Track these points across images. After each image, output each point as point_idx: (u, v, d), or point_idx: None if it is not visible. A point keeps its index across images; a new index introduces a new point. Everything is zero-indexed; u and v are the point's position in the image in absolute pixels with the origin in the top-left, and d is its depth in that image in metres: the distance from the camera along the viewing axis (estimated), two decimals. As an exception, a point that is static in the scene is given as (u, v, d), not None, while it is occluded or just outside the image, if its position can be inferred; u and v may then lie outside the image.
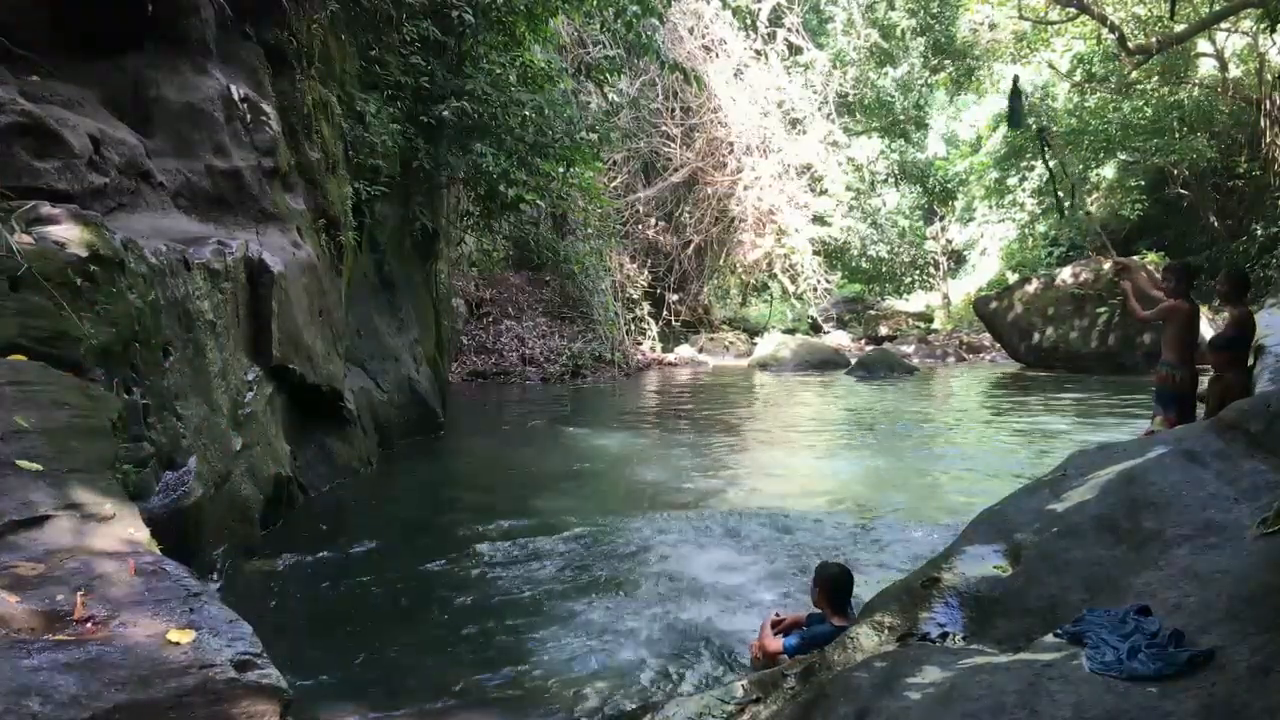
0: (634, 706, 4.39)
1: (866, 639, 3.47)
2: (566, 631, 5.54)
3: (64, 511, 3.13)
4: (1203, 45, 23.81)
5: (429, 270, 14.22)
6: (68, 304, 4.58)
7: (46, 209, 5.02)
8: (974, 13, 27.12)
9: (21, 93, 6.21)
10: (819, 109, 28.04)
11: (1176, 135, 23.76)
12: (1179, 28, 20.98)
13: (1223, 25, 21.94)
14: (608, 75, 16.77)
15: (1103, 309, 20.22)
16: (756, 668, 4.47)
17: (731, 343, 26.57)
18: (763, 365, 22.89)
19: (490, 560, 6.87)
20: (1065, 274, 21.67)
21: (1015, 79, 10.90)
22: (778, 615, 4.85)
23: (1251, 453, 3.61)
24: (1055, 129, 23.39)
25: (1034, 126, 20.36)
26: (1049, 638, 2.83)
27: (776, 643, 4.48)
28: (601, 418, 14.98)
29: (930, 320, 32.45)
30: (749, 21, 26.23)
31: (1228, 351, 6.27)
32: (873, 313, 33.60)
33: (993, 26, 26.91)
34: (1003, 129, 28.79)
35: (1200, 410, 6.35)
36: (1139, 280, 7.15)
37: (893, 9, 29.73)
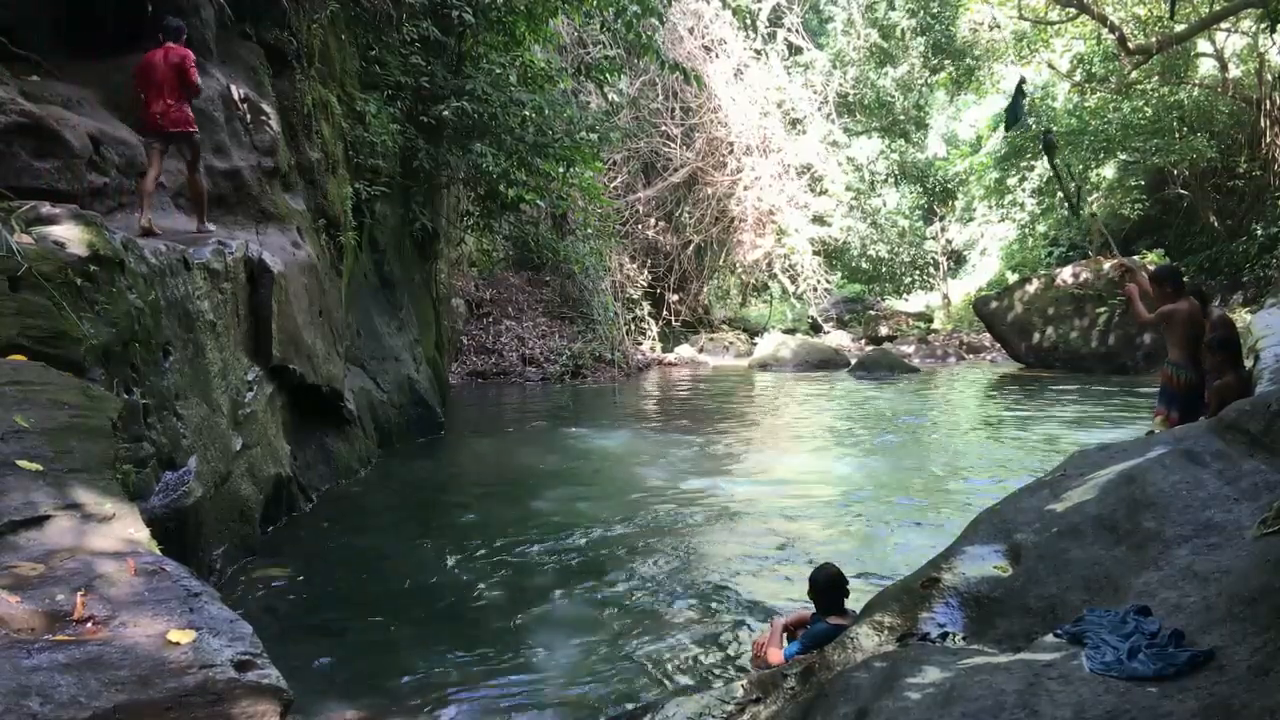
0: (634, 706, 4.39)
1: (866, 639, 3.47)
2: (567, 631, 5.54)
3: (64, 511, 3.13)
4: (1203, 45, 23.81)
5: (429, 270, 14.22)
6: (68, 304, 4.58)
7: (46, 209, 5.02)
8: (974, 13, 27.11)
9: (21, 93, 6.22)
10: (819, 109, 28.04)
11: (1176, 135, 23.75)
12: (1179, 28, 20.98)
13: (1223, 25, 21.94)
14: (608, 75, 16.74)
15: (1103, 309, 20.22)
16: (757, 667, 4.47)
17: (731, 343, 26.56)
18: (763, 365, 22.90)
19: (490, 560, 6.87)
20: (1065, 274, 21.67)
21: (1021, 79, 10.81)
22: (787, 619, 4.82)
23: (1251, 453, 3.61)
24: (1055, 129, 23.36)
25: (1037, 128, 20.28)
26: (1049, 638, 2.83)
27: (778, 654, 4.47)
28: (601, 418, 14.98)
29: (930, 320, 32.41)
30: (749, 21, 26.23)
31: (1224, 352, 6.24)
32: (873, 313, 33.57)
33: (993, 27, 26.91)
34: (1003, 129, 28.77)
35: None
36: (1143, 282, 7.07)
37: (893, 9, 29.72)
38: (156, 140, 6.79)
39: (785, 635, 4.61)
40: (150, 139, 6.81)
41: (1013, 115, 10.08)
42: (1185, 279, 7.10)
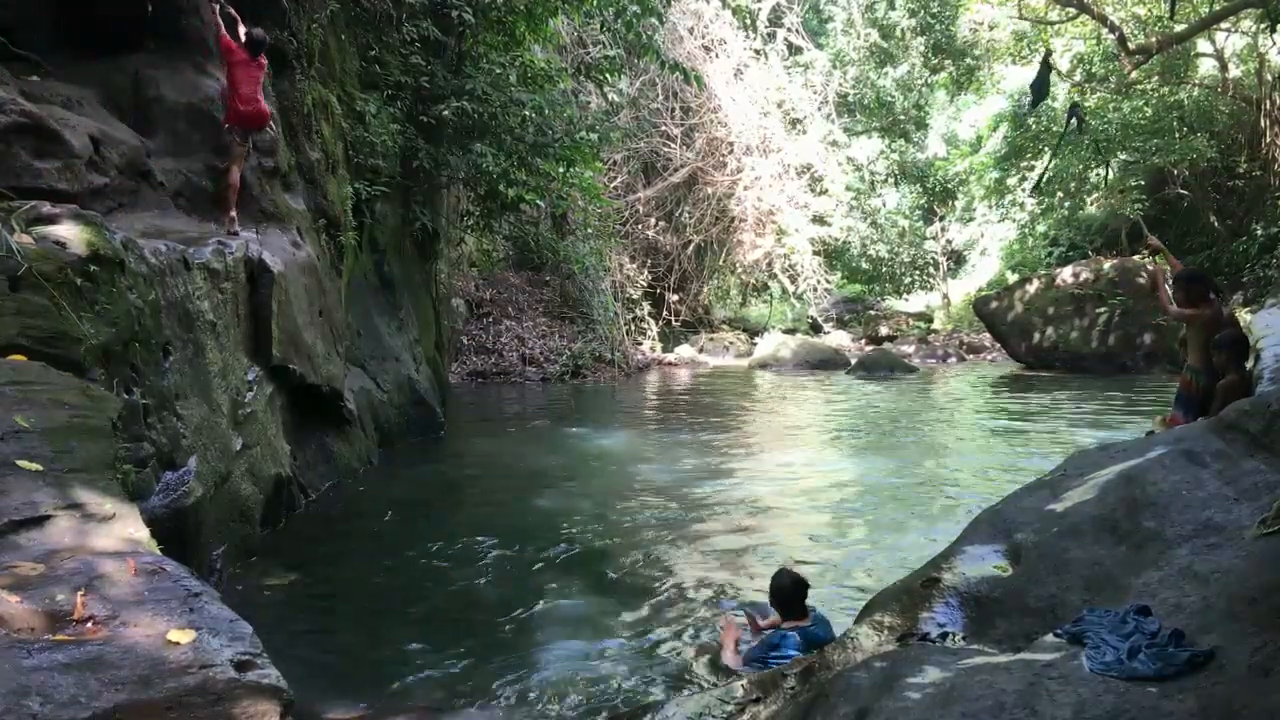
0: (634, 706, 4.39)
1: (866, 639, 3.47)
2: (567, 631, 5.54)
3: (64, 511, 3.13)
4: (1203, 45, 23.79)
5: (429, 270, 14.21)
6: (68, 304, 4.58)
7: (46, 209, 5.02)
8: (974, 13, 27.11)
9: (21, 93, 6.22)
10: (819, 109, 28.03)
11: (1176, 135, 23.73)
12: (1179, 28, 20.97)
13: (1223, 25, 21.93)
14: (608, 75, 16.74)
15: (1103, 309, 20.22)
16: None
17: (731, 343, 26.55)
18: (763, 365, 22.89)
19: (490, 560, 6.87)
20: (1065, 274, 21.66)
21: (1048, 52, 10.76)
22: (747, 619, 4.95)
23: (1251, 453, 3.61)
24: (1086, 106, 22.89)
25: (1051, 119, 20.01)
26: (1049, 638, 2.83)
27: (736, 660, 4.60)
28: (602, 418, 14.98)
29: (930, 320, 32.37)
30: (749, 21, 26.22)
31: (1230, 350, 6.23)
32: (873, 313, 33.55)
33: (993, 26, 26.90)
34: (1003, 129, 28.77)
35: None
36: (1174, 264, 6.98)
37: (893, 9, 29.71)
38: (249, 135, 7.92)
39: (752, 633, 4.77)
40: (244, 135, 7.82)
41: (1038, 90, 10.01)
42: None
